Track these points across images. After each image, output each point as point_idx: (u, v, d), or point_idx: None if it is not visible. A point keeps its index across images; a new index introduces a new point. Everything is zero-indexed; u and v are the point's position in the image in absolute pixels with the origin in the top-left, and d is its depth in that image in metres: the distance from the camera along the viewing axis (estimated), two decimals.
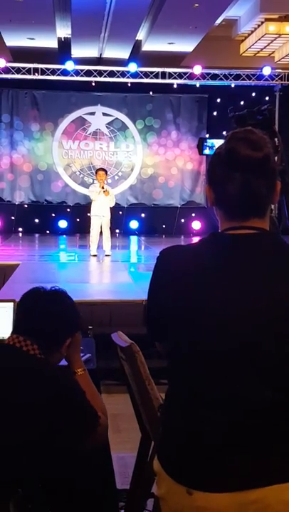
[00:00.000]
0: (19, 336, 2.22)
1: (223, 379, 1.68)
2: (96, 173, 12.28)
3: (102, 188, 11.63)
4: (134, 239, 15.97)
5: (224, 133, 13.98)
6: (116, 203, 12.85)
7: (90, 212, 12.05)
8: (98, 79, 14.93)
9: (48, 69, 14.63)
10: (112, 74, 14.80)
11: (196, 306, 1.73)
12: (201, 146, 14.24)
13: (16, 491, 2.18)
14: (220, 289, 1.71)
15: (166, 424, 1.86)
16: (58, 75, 14.72)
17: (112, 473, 3.25)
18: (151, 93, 16.18)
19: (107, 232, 11.87)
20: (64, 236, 15.98)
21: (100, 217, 11.80)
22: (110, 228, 12.09)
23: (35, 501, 2.21)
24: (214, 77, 15.05)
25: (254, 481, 1.65)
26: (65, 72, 14.66)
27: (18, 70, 14.57)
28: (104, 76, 14.86)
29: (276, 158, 1.78)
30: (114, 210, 13.04)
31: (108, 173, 16.10)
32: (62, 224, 16.45)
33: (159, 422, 2.38)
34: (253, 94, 15.48)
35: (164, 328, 1.83)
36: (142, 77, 14.93)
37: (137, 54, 14.50)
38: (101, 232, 11.90)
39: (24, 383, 2.12)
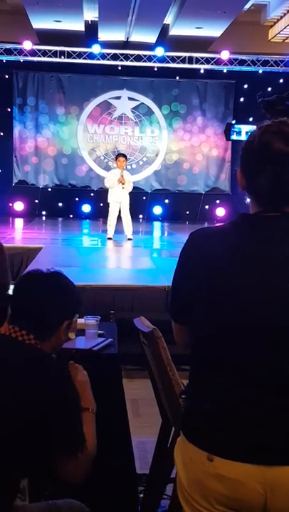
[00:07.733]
0: (15, 326, 2.18)
1: (260, 356, 1.71)
2: (116, 159, 12.12)
3: (122, 176, 11.62)
4: (157, 225, 15.92)
5: (251, 119, 13.87)
6: (140, 188, 12.77)
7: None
8: (124, 63, 14.86)
9: (74, 52, 14.58)
10: (138, 58, 14.72)
11: (230, 285, 1.76)
12: (228, 132, 14.16)
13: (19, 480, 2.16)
14: (251, 268, 1.75)
15: (195, 397, 1.86)
16: (84, 58, 14.66)
17: (131, 457, 3.27)
18: (177, 78, 16.07)
19: (127, 217, 11.93)
20: (87, 220, 16.00)
21: (117, 203, 11.86)
22: (132, 213, 12.11)
23: (50, 488, 2.17)
24: (242, 62, 14.89)
25: (279, 458, 1.68)
26: (91, 56, 14.60)
27: (45, 53, 14.55)
28: (131, 60, 14.78)
29: None
30: (138, 195, 13.02)
31: (133, 158, 16.14)
32: (86, 208, 16.47)
33: (179, 407, 2.38)
34: (281, 81, 15.29)
35: (190, 310, 1.85)
36: (168, 62, 14.84)
37: (164, 38, 14.38)
38: (120, 217, 11.95)
39: (19, 374, 2.07)
